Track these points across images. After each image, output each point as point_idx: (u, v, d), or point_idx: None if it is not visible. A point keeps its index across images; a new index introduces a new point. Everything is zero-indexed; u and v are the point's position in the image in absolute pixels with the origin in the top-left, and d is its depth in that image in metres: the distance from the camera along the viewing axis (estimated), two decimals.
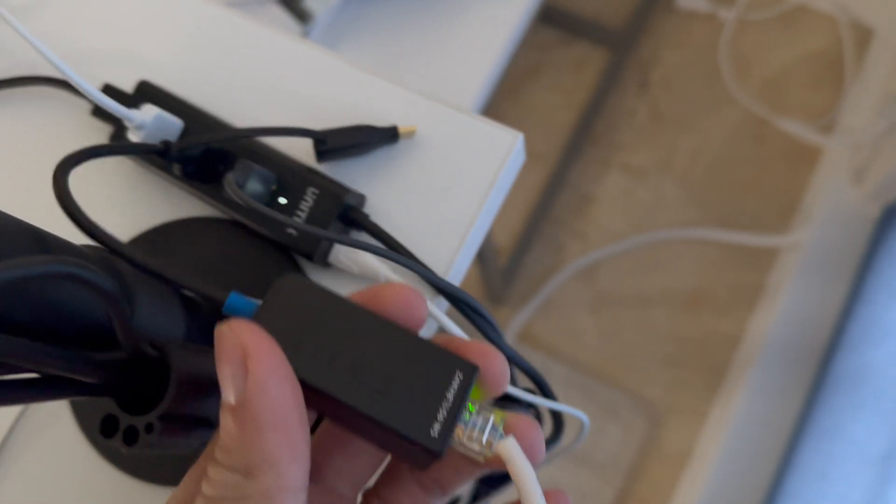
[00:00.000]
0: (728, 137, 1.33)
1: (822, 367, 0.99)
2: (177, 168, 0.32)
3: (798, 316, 1.03)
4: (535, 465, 0.20)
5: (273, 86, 0.35)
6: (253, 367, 0.17)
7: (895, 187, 0.98)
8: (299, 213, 0.30)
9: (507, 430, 0.21)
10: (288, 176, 0.31)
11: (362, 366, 0.20)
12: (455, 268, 0.31)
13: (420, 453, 0.20)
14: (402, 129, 0.31)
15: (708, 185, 1.31)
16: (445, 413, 0.20)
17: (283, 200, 0.30)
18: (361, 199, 0.32)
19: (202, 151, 0.31)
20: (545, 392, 0.34)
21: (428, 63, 0.63)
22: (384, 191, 0.32)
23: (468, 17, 0.65)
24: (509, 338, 1.26)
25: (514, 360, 0.32)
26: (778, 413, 1.00)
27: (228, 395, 0.17)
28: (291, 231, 0.31)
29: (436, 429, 0.20)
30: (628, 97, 1.36)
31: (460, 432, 0.20)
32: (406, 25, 0.65)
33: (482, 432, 0.20)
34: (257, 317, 0.20)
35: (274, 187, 0.31)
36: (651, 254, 1.28)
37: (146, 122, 0.30)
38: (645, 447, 1.21)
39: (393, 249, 0.30)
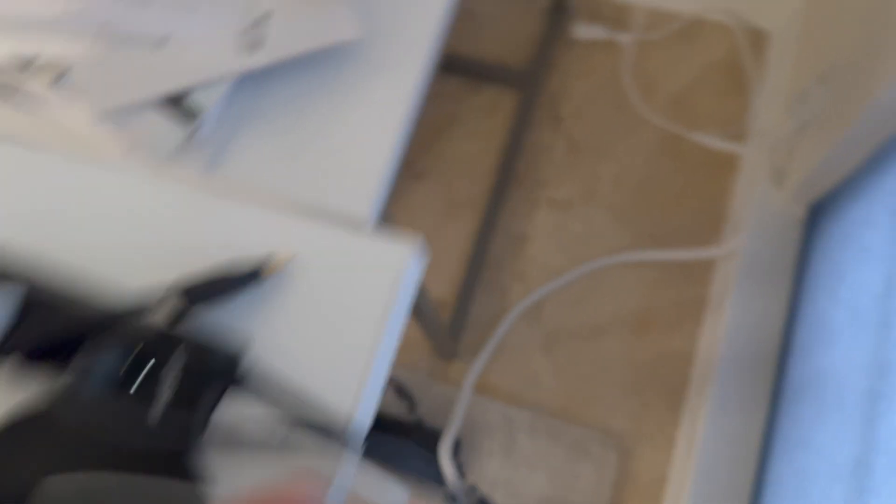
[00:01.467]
0: (646, 158, 1.34)
1: (779, 375, 0.99)
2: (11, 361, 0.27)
3: (746, 325, 1.03)
4: None
5: (128, 234, 0.32)
6: None
7: (815, 186, 1.00)
8: (159, 394, 0.26)
9: None
10: (147, 347, 0.27)
11: None
12: (365, 399, 0.28)
13: None
14: (271, 266, 0.28)
15: (635, 207, 1.32)
16: None
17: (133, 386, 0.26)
18: (239, 351, 0.28)
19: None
20: None
21: (332, 138, 0.61)
22: (273, 327, 0.29)
23: (367, 90, 0.62)
24: (466, 392, 1.23)
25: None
26: (744, 427, 0.99)
27: None
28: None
29: None
30: (544, 133, 1.37)
31: None
32: (305, 106, 0.63)
33: None
34: None
35: (125, 367, 0.26)
36: (592, 283, 1.28)
37: None
38: (620, 481, 1.18)
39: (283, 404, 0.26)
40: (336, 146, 0.60)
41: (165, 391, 0.26)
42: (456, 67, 1.39)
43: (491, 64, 1.41)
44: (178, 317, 0.29)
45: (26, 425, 0.26)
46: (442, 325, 1.22)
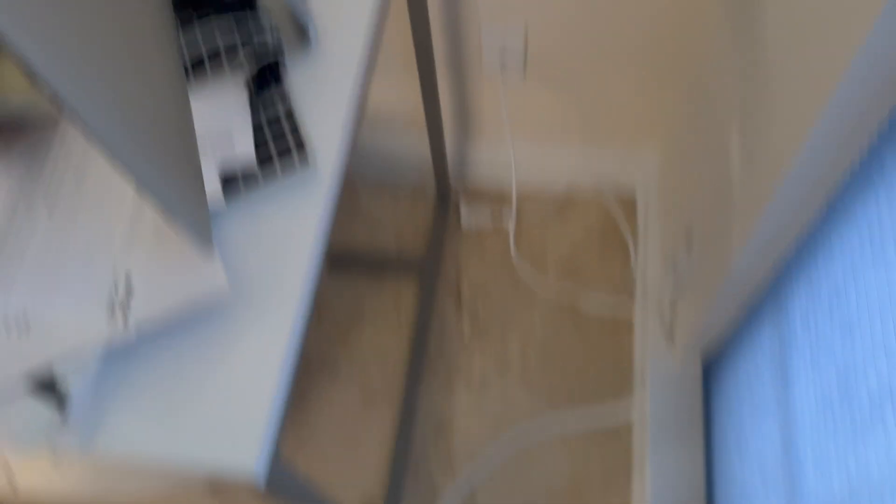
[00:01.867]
0: (547, 328, 1.39)
1: None
2: None
3: (669, 487, 1.02)
4: None
5: None
6: None
7: (704, 342, 1.04)
8: None
9: None
10: None
11: None
12: None
13: None
14: None
15: (545, 376, 1.34)
16: None
17: None
18: None
19: None
20: None
21: (212, 394, 0.60)
22: None
23: (242, 338, 0.63)
24: None
25: None
26: None
27: None
28: None
29: None
30: (448, 316, 1.40)
31: None
32: (181, 367, 0.63)
33: None
34: None
35: None
36: (521, 462, 1.27)
37: None
38: None
39: None
40: (217, 400, 0.60)
41: None
42: (355, 263, 1.44)
43: (388, 256, 1.45)
44: None
45: None
46: None
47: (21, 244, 0.66)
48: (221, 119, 0.71)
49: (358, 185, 1.53)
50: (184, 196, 0.59)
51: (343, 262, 1.44)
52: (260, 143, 0.69)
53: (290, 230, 0.67)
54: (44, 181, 0.70)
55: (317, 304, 1.38)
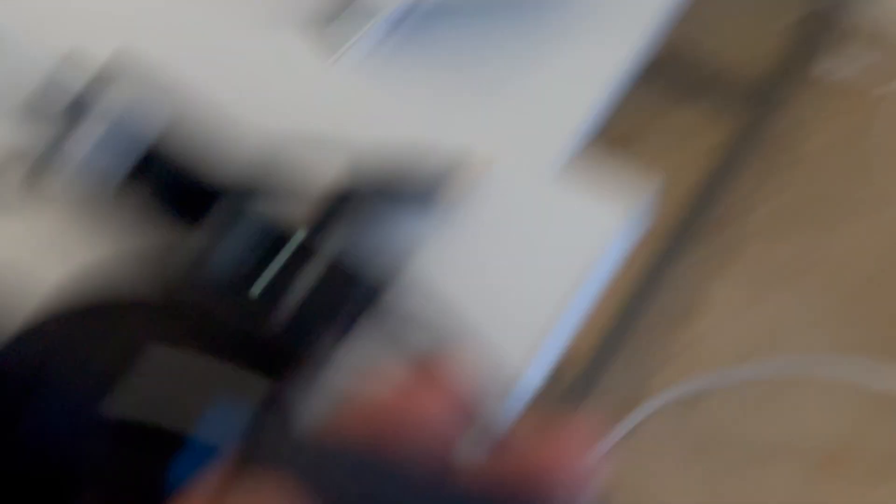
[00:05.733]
0: (885, 247, 1.13)
1: None
2: (146, 185, 0.30)
3: None
4: None
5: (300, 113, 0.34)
6: None
7: None
8: (291, 292, 0.28)
9: None
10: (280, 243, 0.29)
11: None
12: (531, 372, 0.29)
13: None
14: (463, 174, 0.31)
15: (856, 306, 1.11)
16: None
17: (270, 273, 0.28)
18: (391, 273, 0.29)
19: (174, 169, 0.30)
20: None
21: (521, 87, 0.51)
22: (440, 255, 0.31)
23: (570, 44, 0.53)
24: None
25: None
26: None
27: None
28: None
29: None
30: (758, 180, 1.17)
31: None
32: (499, 45, 0.53)
33: None
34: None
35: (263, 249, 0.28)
36: (774, 391, 1.06)
37: (112, 110, 0.29)
38: None
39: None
40: (525, 96, 0.50)
41: (291, 301, 0.28)
42: (662, 71, 1.21)
43: (710, 75, 1.22)
44: (331, 216, 0.30)
45: (138, 289, 0.28)
46: (561, 388, 1.04)
47: None
48: None
49: None
50: None
51: (659, 61, 1.21)
52: None
53: None
54: None
55: None
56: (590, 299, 0.31)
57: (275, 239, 0.29)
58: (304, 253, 0.29)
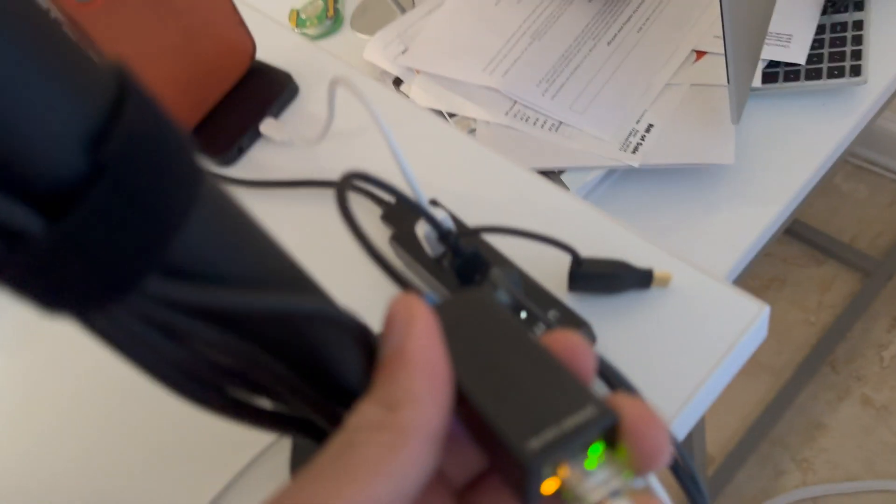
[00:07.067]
0: None
1: None
2: (449, 259, 0.35)
3: None
4: None
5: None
6: (412, 321, 0.19)
7: None
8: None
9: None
10: (533, 294, 0.33)
11: (497, 371, 0.19)
12: (675, 427, 0.31)
13: (513, 466, 0.18)
14: (657, 273, 0.33)
15: None
16: (554, 436, 0.18)
17: (523, 315, 0.31)
18: (592, 337, 0.33)
19: (472, 252, 0.34)
20: None
21: (679, 241, 0.63)
22: (615, 335, 0.34)
23: (724, 210, 0.65)
24: None
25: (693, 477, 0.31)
26: None
27: (391, 342, 0.19)
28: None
29: (534, 443, 0.17)
30: (878, 329, 1.27)
31: (570, 474, 0.18)
32: (662, 205, 0.66)
33: (598, 488, 0.17)
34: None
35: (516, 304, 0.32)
36: (888, 503, 1.13)
37: (444, 218, 0.34)
38: None
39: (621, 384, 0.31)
40: (691, 240, 0.63)
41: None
42: (801, 234, 1.37)
43: (840, 242, 1.35)
44: (570, 280, 0.34)
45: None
46: (703, 478, 1.16)
47: (577, 62, 0.78)
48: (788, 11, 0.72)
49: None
50: (748, 66, 0.63)
51: (790, 226, 1.38)
52: (815, 41, 0.69)
53: (809, 134, 0.67)
54: (615, 20, 0.80)
55: None
56: (732, 369, 0.33)
57: (515, 305, 0.32)
58: (530, 319, 0.31)
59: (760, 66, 0.70)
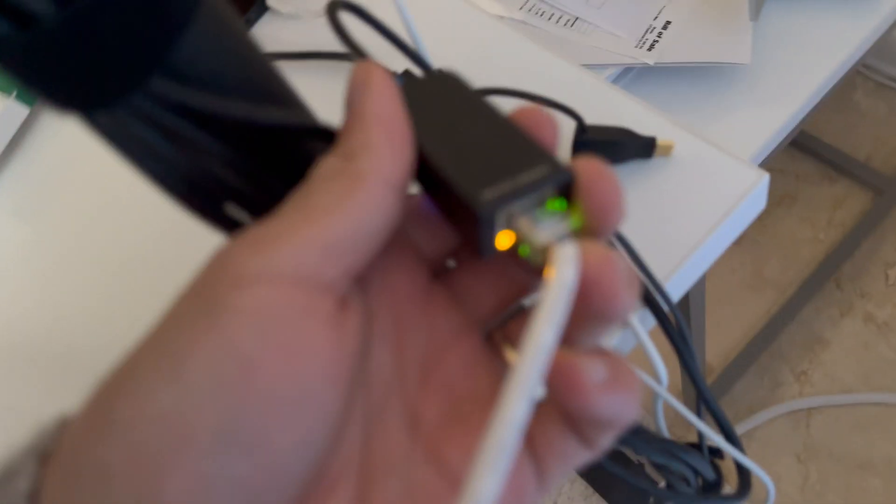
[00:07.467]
0: None
1: None
2: None
3: None
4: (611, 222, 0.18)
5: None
6: (368, 82, 0.19)
7: None
8: None
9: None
10: None
11: (459, 136, 0.20)
12: (671, 287, 0.32)
13: (470, 219, 0.18)
14: (660, 141, 0.33)
15: None
16: (509, 188, 0.18)
17: None
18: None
19: None
20: (730, 438, 0.34)
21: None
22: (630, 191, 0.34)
23: (735, 111, 0.64)
24: None
25: (700, 387, 0.32)
26: None
27: (349, 105, 0.20)
28: None
29: (487, 193, 0.18)
30: (886, 248, 1.27)
31: (523, 226, 0.18)
32: (674, 106, 0.65)
33: (546, 232, 0.18)
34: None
35: None
36: (881, 416, 1.15)
37: None
38: None
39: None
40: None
41: None
42: (816, 151, 1.35)
43: (855, 160, 1.34)
44: (574, 146, 0.34)
45: None
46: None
47: None
48: None
49: (859, 76, 1.40)
50: None
51: (804, 143, 1.37)
52: None
53: (828, 35, 0.66)
54: None
55: None
56: (730, 235, 0.33)
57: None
58: None
59: None
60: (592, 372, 0.17)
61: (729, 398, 1.22)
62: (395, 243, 0.21)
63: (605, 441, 0.19)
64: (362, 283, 0.20)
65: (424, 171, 0.20)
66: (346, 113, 0.20)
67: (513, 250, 0.19)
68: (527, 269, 0.21)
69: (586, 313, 0.17)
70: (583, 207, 0.18)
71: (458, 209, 0.19)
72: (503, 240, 0.19)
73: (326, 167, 0.19)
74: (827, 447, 1.15)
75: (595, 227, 0.18)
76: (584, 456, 0.19)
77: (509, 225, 0.18)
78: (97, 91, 0.17)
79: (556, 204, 0.19)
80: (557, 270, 0.16)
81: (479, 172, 0.18)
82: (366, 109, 0.19)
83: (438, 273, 0.22)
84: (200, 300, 0.17)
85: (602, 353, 0.18)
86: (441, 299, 0.22)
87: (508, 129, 0.20)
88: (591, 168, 0.18)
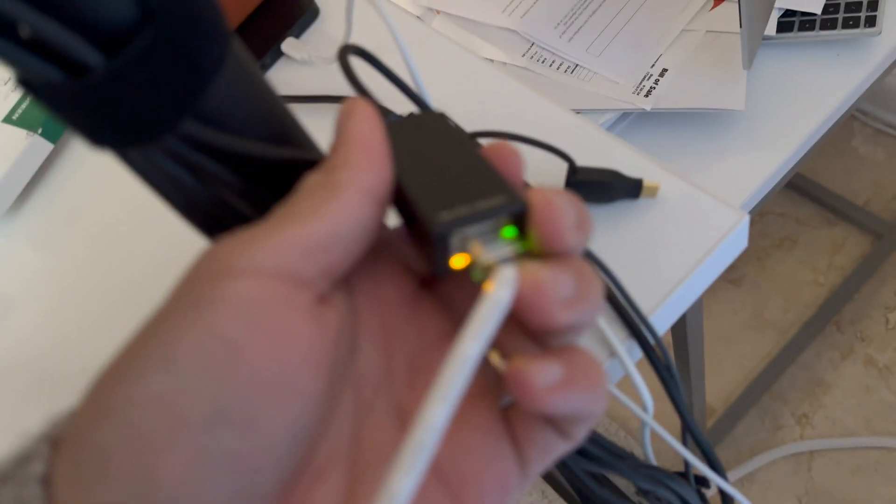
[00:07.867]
0: None
1: None
2: None
3: None
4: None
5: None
6: (352, 113, 0.21)
7: None
8: None
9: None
10: None
11: (432, 168, 0.21)
12: (656, 322, 0.33)
13: (427, 239, 0.20)
14: (647, 183, 0.35)
15: None
16: (465, 212, 0.19)
17: None
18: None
19: None
20: (714, 467, 0.35)
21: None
22: (604, 241, 0.36)
23: (731, 156, 0.66)
24: None
25: (686, 422, 0.33)
26: None
27: (336, 133, 0.21)
28: None
29: (444, 215, 0.19)
30: (886, 291, 1.28)
31: (477, 250, 0.20)
32: (671, 150, 0.67)
33: (492, 252, 0.19)
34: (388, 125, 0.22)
35: None
36: (882, 461, 1.15)
37: None
38: None
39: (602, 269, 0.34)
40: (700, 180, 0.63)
41: None
42: (816, 196, 1.37)
43: (854, 204, 1.35)
44: (566, 185, 0.35)
45: None
46: (702, 427, 1.19)
47: (596, 5, 0.79)
48: None
49: (857, 122, 1.43)
50: (761, 14, 0.64)
51: (803, 187, 1.39)
52: None
53: (821, 83, 0.68)
54: None
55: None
56: (712, 273, 0.34)
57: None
58: None
59: (776, 15, 0.71)
60: (542, 375, 0.18)
61: (730, 439, 1.22)
62: (386, 256, 0.23)
63: (581, 433, 0.20)
64: (352, 289, 0.22)
65: (400, 198, 0.21)
66: (333, 138, 0.22)
67: (466, 272, 0.20)
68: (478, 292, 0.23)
69: (531, 325, 0.19)
70: (532, 230, 0.20)
71: (421, 231, 0.20)
72: (458, 261, 0.20)
73: (310, 180, 0.20)
74: (828, 490, 1.15)
75: (546, 251, 0.20)
76: (563, 446, 0.21)
77: (463, 248, 0.20)
78: (134, 132, 0.19)
79: (510, 231, 0.20)
80: (493, 288, 0.18)
81: (441, 198, 0.20)
82: (348, 132, 0.21)
83: (427, 282, 0.24)
84: (190, 292, 0.18)
85: (564, 352, 0.19)
86: (429, 306, 0.23)
87: (478, 162, 0.21)
88: (541, 198, 0.19)
